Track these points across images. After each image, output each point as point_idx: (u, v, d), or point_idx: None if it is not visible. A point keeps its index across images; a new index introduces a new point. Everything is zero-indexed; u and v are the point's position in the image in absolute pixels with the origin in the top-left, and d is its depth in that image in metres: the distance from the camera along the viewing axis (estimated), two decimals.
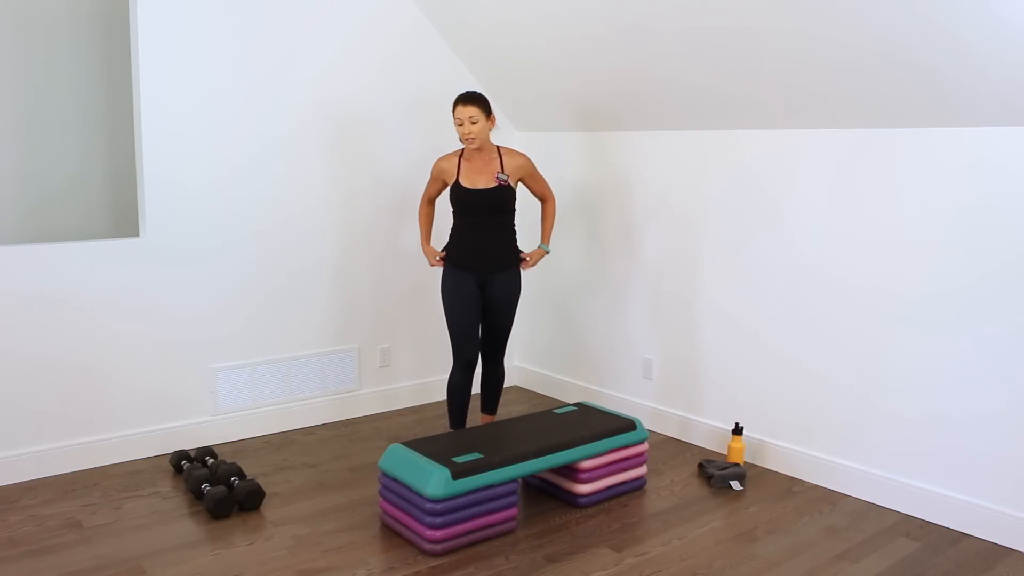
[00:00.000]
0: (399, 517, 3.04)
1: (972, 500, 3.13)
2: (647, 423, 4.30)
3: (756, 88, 3.45)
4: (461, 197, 3.60)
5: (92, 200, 4.30)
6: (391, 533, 3.11)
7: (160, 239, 3.78)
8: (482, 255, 3.63)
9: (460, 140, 3.57)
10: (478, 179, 3.59)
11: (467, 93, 3.55)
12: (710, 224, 3.91)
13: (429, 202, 3.83)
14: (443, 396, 4.75)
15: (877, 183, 3.30)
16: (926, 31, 2.77)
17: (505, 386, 5.03)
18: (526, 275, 4.94)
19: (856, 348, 3.42)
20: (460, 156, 3.65)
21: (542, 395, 4.89)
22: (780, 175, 3.62)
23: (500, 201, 3.61)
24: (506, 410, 4.57)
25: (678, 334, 4.11)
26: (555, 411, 3.59)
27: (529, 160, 3.71)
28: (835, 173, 3.43)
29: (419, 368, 4.63)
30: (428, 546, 2.92)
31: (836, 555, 2.98)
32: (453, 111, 3.55)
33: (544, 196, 3.83)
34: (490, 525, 3.04)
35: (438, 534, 2.90)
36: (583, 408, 3.63)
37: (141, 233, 3.78)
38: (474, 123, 3.50)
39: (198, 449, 3.68)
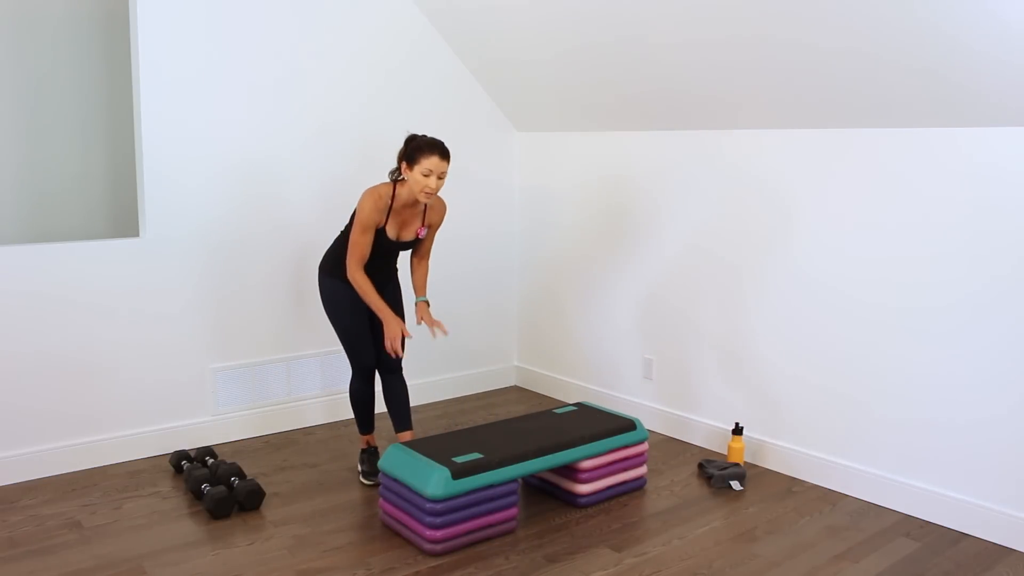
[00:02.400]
0: (399, 517, 3.04)
1: (972, 500, 3.13)
2: (647, 423, 4.30)
3: (755, 89, 3.45)
4: (381, 245, 3.33)
5: (92, 200, 4.30)
6: (391, 533, 3.11)
7: (160, 239, 3.78)
8: (376, 282, 3.39)
9: (416, 191, 3.18)
10: (404, 231, 3.36)
11: (444, 146, 3.20)
12: (710, 224, 3.91)
13: (364, 267, 3.29)
14: (443, 396, 4.75)
15: (878, 184, 3.30)
16: (923, 32, 2.77)
17: (505, 386, 5.04)
18: (522, 271, 4.94)
19: (856, 349, 3.42)
20: (391, 203, 3.27)
21: (542, 395, 4.89)
22: (780, 176, 3.62)
23: (411, 248, 3.46)
24: (506, 410, 4.58)
25: (678, 334, 4.11)
26: (555, 411, 3.59)
27: (445, 212, 3.47)
28: (835, 175, 3.43)
29: (418, 368, 4.63)
30: (428, 546, 2.92)
31: (836, 555, 2.98)
32: (420, 156, 3.14)
33: (427, 253, 3.53)
34: (490, 525, 3.04)
35: (438, 534, 2.90)
36: (583, 408, 3.63)
37: (141, 233, 3.78)
38: (440, 179, 3.18)
39: (198, 449, 3.68)
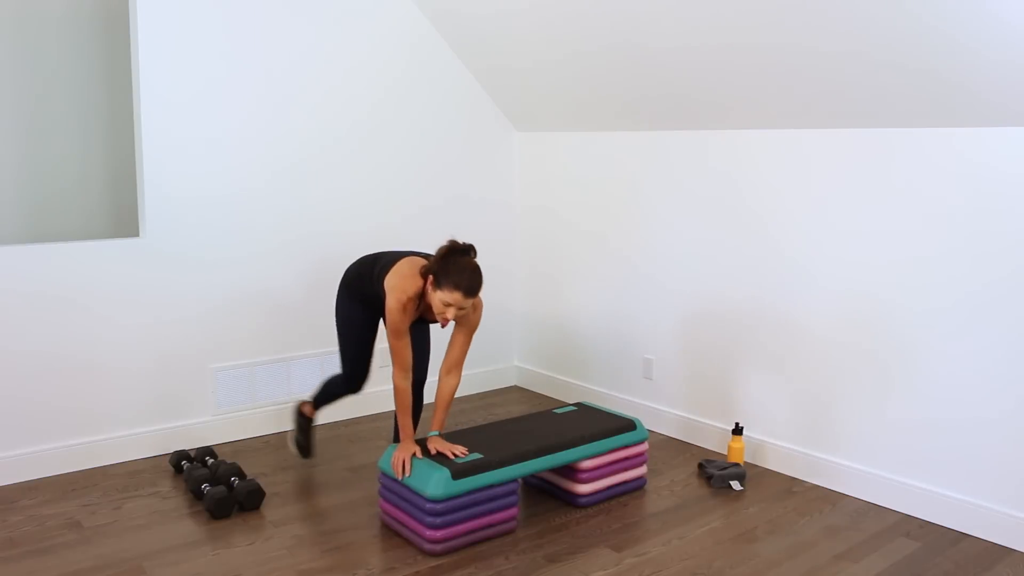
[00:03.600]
0: (399, 517, 3.04)
1: (972, 500, 3.13)
2: (647, 423, 4.30)
3: (753, 91, 3.45)
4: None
5: (92, 200, 4.30)
6: (391, 533, 3.11)
7: (160, 239, 3.78)
8: None
9: (435, 311, 2.98)
10: (427, 314, 3.22)
11: (475, 283, 2.94)
12: (710, 224, 3.91)
13: (408, 372, 3.07)
14: None
15: (878, 184, 3.30)
16: (921, 32, 2.77)
17: (505, 386, 5.05)
18: (523, 271, 4.94)
19: (856, 349, 3.42)
20: (418, 304, 3.09)
21: (542, 395, 4.89)
22: (780, 176, 3.62)
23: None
24: (506, 410, 4.58)
25: (678, 334, 4.11)
26: (555, 411, 3.59)
27: (480, 312, 3.19)
28: (836, 175, 3.43)
29: None
30: (428, 546, 2.92)
31: (836, 555, 2.98)
32: (446, 286, 2.91)
33: (457, 363, 3.19)
34: (490, 525, 3.04)
35: (438, 534, 2.90)
36: (583, 408, 3.63)
37: (141, 233, 3.78)
38: (462, 310, 2.96)
39: (198, 449, 3.68)
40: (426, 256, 3.19)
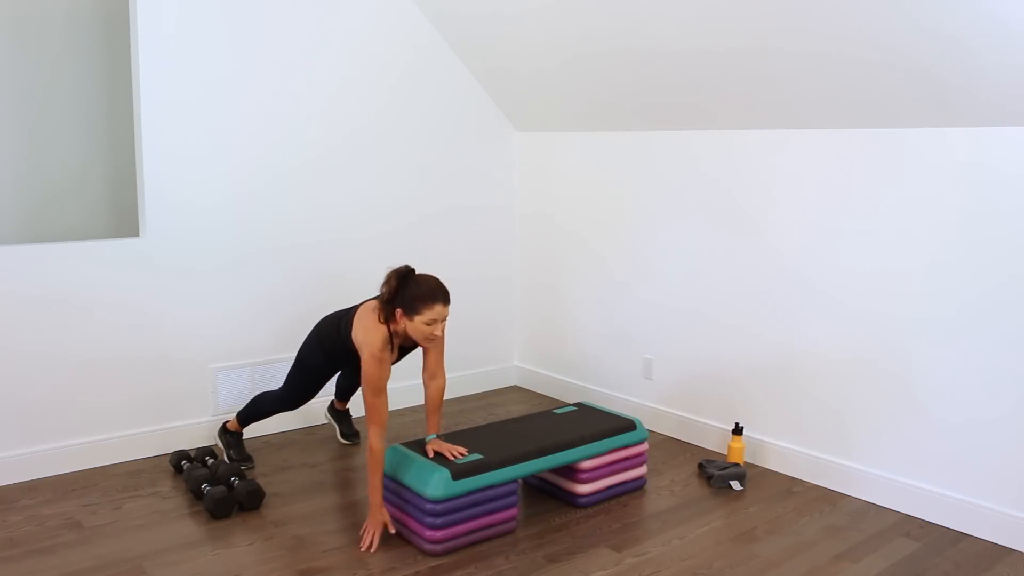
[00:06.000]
0: (399, 517, 3.04)
1: (972, 500, 3.13)
2: (647, 423, 4.30)
3: (752, 91, 3.45)
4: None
5: (93, 200, 4.30)
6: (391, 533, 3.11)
7: (160, 239, 3.78)
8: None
9: (419, 338, 2.98)
10: (407, 342, 3.19)
11: (445, 289, 2.97)
12: (710, 224, 3.91)
13: (385, 430, 2.97)
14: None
15: (877, 185, 3.30)
16: (919, 32, 2.77)
17: (505, 386, 5.05)
18: (523, 271, 4.94)
19: (856, 350, 3.42)
20: (390, 339, 3.02)
21: (542, 395, 4.89)
22: (780, 176, 3.62)
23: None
24: (506, 410, 4.58)
25: (678, 334, 4.11)
26: (555, 411, 3.59)
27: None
28: (837, 175, 3.43)
29: (417, 369, 4.63)
30: (428, 546, 2.92)
31: (836, 555, 2.99)
32: (423, 307, 2.92)
33: (438, 367, 3.17)
34: (490, 525, 3.04)
35: (438, 534, 2.90)
36: (583, 408, 3.63)
37: (141, 233, 3.78)
38: (443, 321, 2.98)
39: (198, 449, 3.68)
40: (376, 298, 3.15)
